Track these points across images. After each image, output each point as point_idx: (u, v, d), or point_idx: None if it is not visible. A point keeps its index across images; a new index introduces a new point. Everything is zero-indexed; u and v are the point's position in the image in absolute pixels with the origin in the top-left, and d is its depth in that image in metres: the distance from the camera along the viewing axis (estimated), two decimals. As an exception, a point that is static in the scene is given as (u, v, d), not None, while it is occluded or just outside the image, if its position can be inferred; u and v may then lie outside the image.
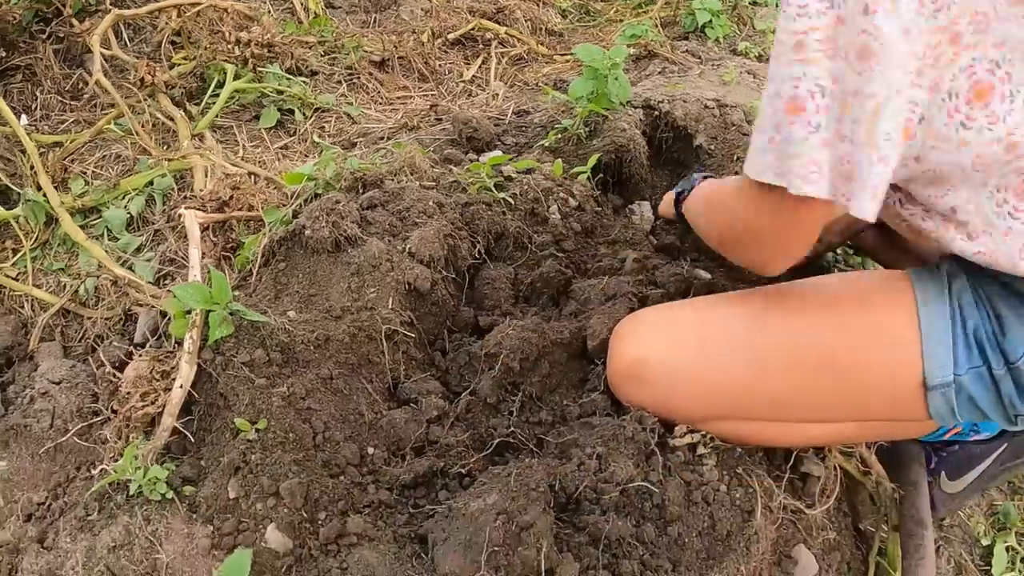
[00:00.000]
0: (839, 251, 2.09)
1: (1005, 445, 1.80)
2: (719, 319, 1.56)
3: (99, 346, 1.98)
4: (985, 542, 2.05)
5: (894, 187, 1.35)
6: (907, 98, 1.08)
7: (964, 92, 1.11)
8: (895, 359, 1.37)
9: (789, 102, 1.11)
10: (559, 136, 2.30)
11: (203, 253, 1.90)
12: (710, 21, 3.29)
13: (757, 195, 1.23)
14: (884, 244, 1.90)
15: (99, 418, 1.73)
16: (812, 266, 1.95)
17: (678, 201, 1.94)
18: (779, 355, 1.47)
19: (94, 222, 2.30)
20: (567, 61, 3.16)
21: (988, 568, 2.00)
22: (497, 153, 2.26)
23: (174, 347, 1.76)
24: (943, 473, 1.87)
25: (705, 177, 1.92)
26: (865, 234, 1.94)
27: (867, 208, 1.10)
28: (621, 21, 3.52)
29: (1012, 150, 1.14)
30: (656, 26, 3.33)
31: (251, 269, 1.82)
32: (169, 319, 1.72)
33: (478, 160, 2.28)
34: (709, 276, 1.82)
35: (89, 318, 2.05)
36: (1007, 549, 2.04)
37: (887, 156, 1.08)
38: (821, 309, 1.46)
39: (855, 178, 1.09)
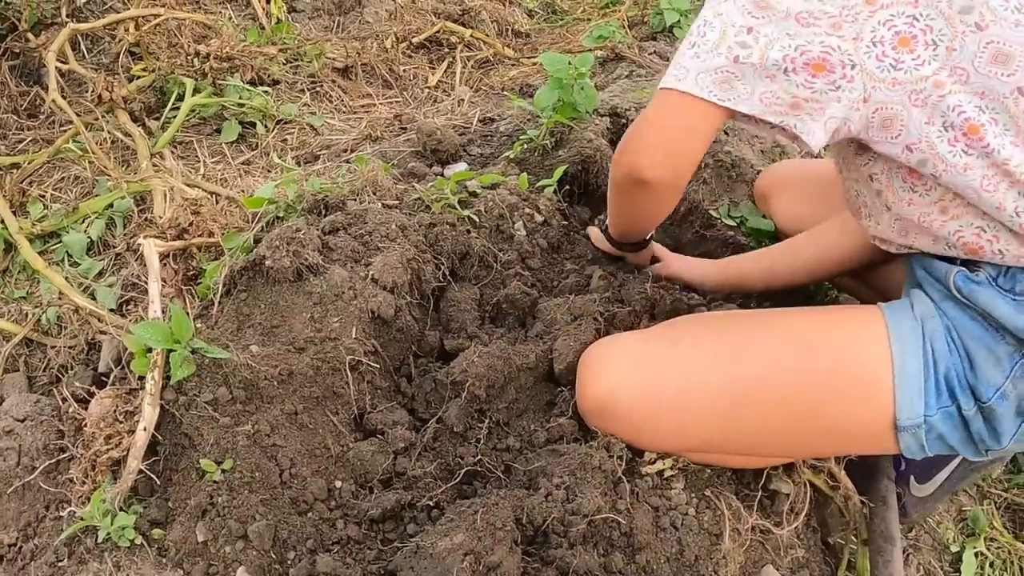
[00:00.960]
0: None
1: None
2: (694, 356, 1.53)
3: (64, 376, 1.97)
4: (955, 548, 2.05)
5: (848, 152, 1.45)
6: (804, 40, 1.22)
7: (888, 40, 1.22)
8: (868, 401, 1.40)
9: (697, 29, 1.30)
10: (525, 147, 2.27)
11: (164, 282, 1.87)
12: (679, 21, 3.25)
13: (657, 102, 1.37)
14: (860, 285, 1.92)
15: (66, 455, 1.71)
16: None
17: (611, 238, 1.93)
18: (756, 398, 1.47)
19: (54, 247, 2.27)
20: (534, 64, 3.13)
21: (958, 574, 2.01)
22: (462, 167, 2.24)
23: (139, 382, 1.74)
24: (912, 477, 1.88)
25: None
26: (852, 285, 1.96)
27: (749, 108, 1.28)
28: (588, 20, 3.49)
29: (939, 88, 1.24)
30: (623, 27, 3.30)
31: (212, 299, 1.79)
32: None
33: (443, 172, 2.26)
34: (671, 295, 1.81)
35: (53, 347, 2.03)
36: (976, 555, 2.05)
37: (773, 75, 1.25)
38: (799, 350, 1.47)
39: (735, 89, 1.26)
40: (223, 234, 1.92)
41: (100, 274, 2.20)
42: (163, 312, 1.72)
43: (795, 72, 1.24)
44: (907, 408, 1.37)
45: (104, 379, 1.87)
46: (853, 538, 1.78)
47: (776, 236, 2.13)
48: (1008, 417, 1.34)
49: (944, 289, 1.40)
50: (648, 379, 1.51)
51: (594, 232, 2.04)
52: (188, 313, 1.84)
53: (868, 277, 1.84)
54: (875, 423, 1.40)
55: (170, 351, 1.60)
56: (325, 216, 1.88)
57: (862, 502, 1.78)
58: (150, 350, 1.62)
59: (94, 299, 2.06)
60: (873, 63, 1.23)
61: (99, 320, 1.98)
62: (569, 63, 2.24)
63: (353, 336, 1.66)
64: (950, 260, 1.40)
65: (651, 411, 1.51)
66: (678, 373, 1.51)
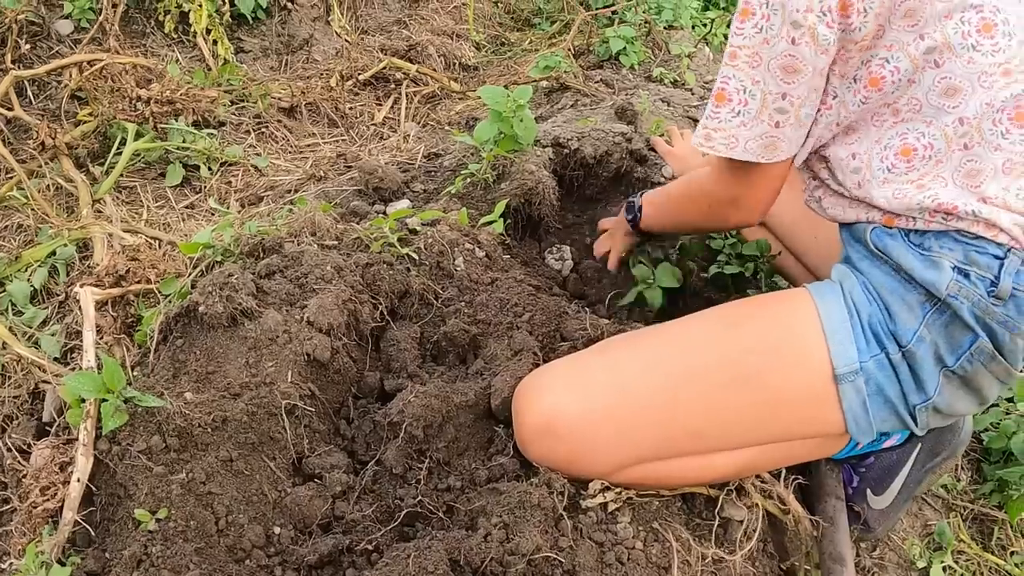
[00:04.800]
0: (761, 275, 2.11)
1: (920, 445, 1.82)
2: (626, 358, 1.60)
3: (8, 426, 1.94)
4: (921, 564, 2.03)
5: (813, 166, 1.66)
6: (819, 88, 1.47)
7: (864, 79, 1.46)
8: (804, 358, 1.51)
9: (718, 92, 1.49)
10: (467, 182, 2.28)
11: (102, 331, 1.86)
12: (624, 48, 3.28)
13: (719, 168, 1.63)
14: (803, 272, 2.03)
15: (8, 507, 1.70)
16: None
17: (636, 224, 2.07)
18: (691, 381, 1.54)
19: (-2, 295, 2.24)
20: (480, 97, 3.14)
21: (926, 591, 2.00)
22: (403, 204, 2.24)
23: (77, 432, 1.72)
24: (868, 490, 1.88)
25: (640, 194, 2.09)
26: (785, 260, 2.08)
27: (792, 151, 1.53)
28: (536, 51, 3.50)
29: (896, 115, 1.48)
30: (569, 56, 3.32)
31: (149, 347, 1.77)
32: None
33: (385, 210, 2.25)
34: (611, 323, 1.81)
35: (-3, 396, 2.01)
36: (944, 569, 2.04)
37: (806, 124, 1.50)
38: (725, 329, 1.58)
39: (778, 148, 1.49)
40: (160, 280, 1.91)
41: (44, 322, 2.17)
42: (98, 362, 1.71)
43: (815, 113, 1.51)
44: (841, 355, 1.48)
45: (48, 429, 1.85)
46: (807, 563, 1.78)
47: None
48: (928, 362, 1.46)
49: (862, 248, 1.54)
50: (583, 392, 1.56)
51: (613, 228, 2.23)
52: (125, 361, 1.83)
53: (808, 262, 2.01)
54: (815, 381, 1.50)
55: (103, 401, 1.58)
56: (262, 259, 1.87)
57: (812, 525, 1.78)
58: (84, 400, 1.61)
59: (38, 348, 2.04)
60: (850, 96, 1.49)
61: (41, 370, 1.96)
62: (508, 96, 2.26)
63: (289, 380, 1.65)
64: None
65: (590, 423, 1.53)
66: (611, 380, 1.56)
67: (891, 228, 1.50)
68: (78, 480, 1.56)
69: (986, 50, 1.40)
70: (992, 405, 2.20)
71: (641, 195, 2.08)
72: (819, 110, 1.51)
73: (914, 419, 1.52)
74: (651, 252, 2.22)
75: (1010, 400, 2.20)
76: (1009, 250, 1.42)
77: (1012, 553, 2.11)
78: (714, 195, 1.68)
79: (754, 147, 1.49)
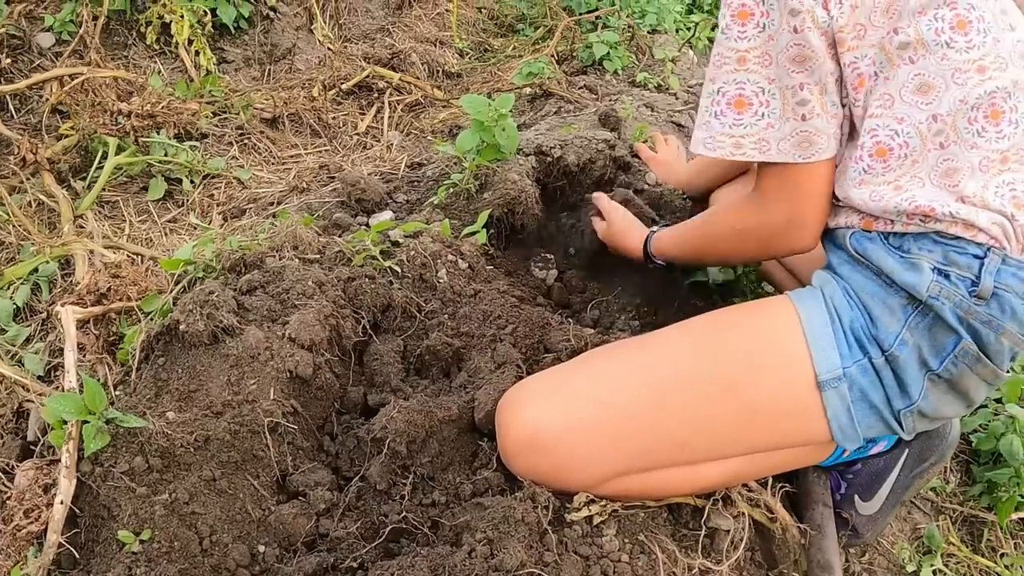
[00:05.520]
0: (748, 281, 2.12)
1: (907, 451, 1.82)
2: (608, 370, 1.59)
3: (-8, 446, 1.93)
4: (911, 568, 2.03)
5: None
6: (834, 72, 1.46)
7: (851, 80, 1.46)
8: (785, 361, 1.50)
9: (736, 99, 1.49)
10: (449, 192, 2.27)
11: (84, 349, 1.85)
12: (608, 53, 3.28)
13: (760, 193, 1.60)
14: (789, 278, 2.03)
15: (-8, 529, 1.68)
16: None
17: (652, 258, 1.99)
18: (675, 391, 1.53)
19: (-20, 314, 2.23)
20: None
21: (916, 595, 2.00)
22: (386, 216, 2.23)
23: (60, 453, 1.71)
24: (856, 496, 1.88)
25: (663, 225, 2.07)
26: (771, 266, 2.09)
27: (832, 149, 1.50)
28: (520, 57, 3.50)
29: (865, 110, 1.47)
30: (553, 62, 3.32)
31: (131, 365, 1.77)
32: (59, 419, 1.68)
33: (368, 222, 2.25)
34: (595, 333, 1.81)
35: (-20, 417, 1.99)
36: (934, 573, 2.03)
37: (835, 114, 1.48)
38: (708, 338, 1.58)
39: (815, 142, 1.47)
40: (142, 298, 1.90)
41: (27, 340, 2.16)
42: (79, 382, 1.70)
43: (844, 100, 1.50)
44: (824, 361, 1.47)
45: (32, 448, 1.84)
46: (795, 570, 1.78)
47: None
48: (912, 366, 1.45)
49: (843, 253, 1.55)
50: (565, 404, 1.55)
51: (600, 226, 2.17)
52: (108, 381, 1.82)
53: (794, 268, 2.00)
54: (799, 389, 1.50)
55: (84, 422, 1.58)
56: (244, 275, 1.87)
57: (800, 533, 1.77)
58: (66, 421, 1.60)
59: (22, 366, 2.03)
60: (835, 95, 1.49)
61: (25, 389, 1.95)
62: (489, 105, 2.25)
63: (271, 397, 1.64)
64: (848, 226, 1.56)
65: (573, 435, 1.53)
66: (593, 391, 1.55)
67: (870, 232, 1.50)
68: (61, 502, 1.55)
69: (960, 47, 1.40)
70: (981, 406, 2.21)
71: (651, 238, 1.99)
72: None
73: (900, 424, 1.52)
74: None
75: (998, 401, 2.20)
76: (989, 249, 1.42)
77: (1002, 555, 2.11)
78: (763, 225, 1.61)
79: (787, 147, 1.48)
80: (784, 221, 1.56)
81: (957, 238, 1.43)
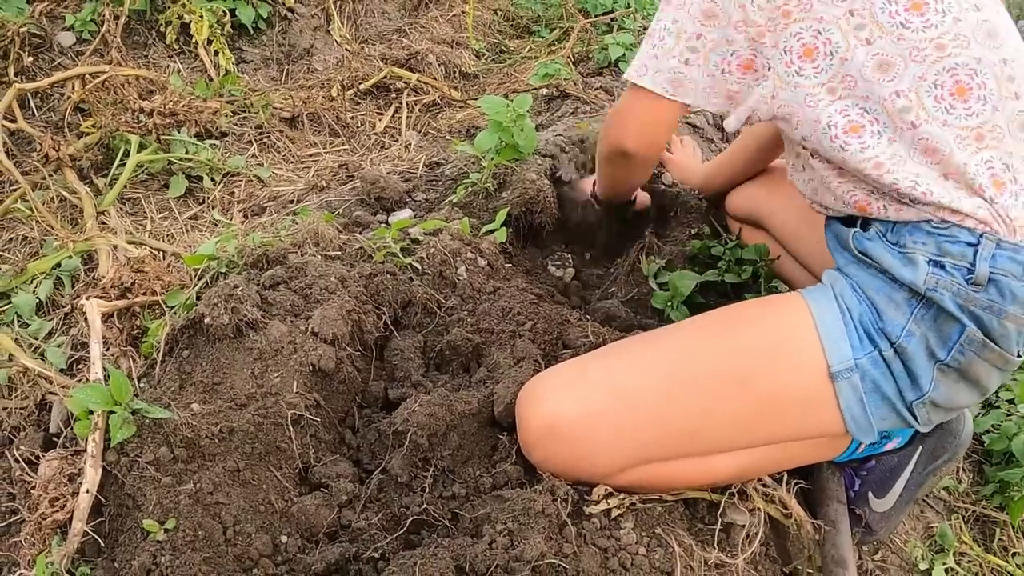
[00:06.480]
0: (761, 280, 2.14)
1: (920, 448, 1.83)
2: (624, 361, 1.62)
3: (16, 437, 1.95)
4: (923, 566, 2.04)
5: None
6: (740, 46, 1.52)
7: (796, 50, 1.48)
8: (798, 353, 1.52)
9: (648, 31, 1.61)
10: (468, 191, 2.29)
11: (108, 342, 1.88)
12: (623, 55, 3.30)
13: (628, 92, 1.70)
14: (804, 277, 2.04)
15: (17, 517, 1.71)
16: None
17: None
18: (689, 382, 1.55)
19: (3, 308, 2.26)
20: (480, 106, 3.16)
21: (928, 593, 2.01)
22: (407, 214, 2.25)
23: (84, 444, 1.74)
24: (870, 493, 1.89)
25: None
26: (785, 265, 2.12)
27: (693, 100, 1.61)
28: (536, 59, 3.52)
29: (832, 93, 1.49)
30: (569, 63, 3.34)
31: (156, 358, 1.79)
32: (81, 411, 1.70)
33: (388, 220, 2.27)
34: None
35: (4, 408, 2.02)
36: (946, 571, 2.04)
37: (715, 77, 1.57)
38: (721, 331, 1.60)
39: (682, 87, 1.59)
40: (165, 292, 1.92)
41: (50, 334, 2.19)
42: (105, 374, 1.72)
43: (730, 72, 1.55)
44: (836, 352, 1.49)
45: (55, 440, 1.87)
46: (809, 566, 1.79)
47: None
48: (920, 357, 1.47)
49: (848, 254, 1.58)
50: (582, 394, 1.57)
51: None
52: (132, 373, 1.84)
53: (810, 266, 2.02)
54: (811, 380, 1.51)
55: (111, 413, 1.60)
56: (266, 270, 1.89)
57: (814, 528, 1.79)
58: (92, 412, 1.63)
59: (44, 359, 2.06)
60: (782, 68, 1.51)
61: (48, 381, 1.97)
62: (508, 105, 2.27)
63: (294, 390, 1.67)
64: (851, 223, 1.60)
65: (589, 424, 1.55)
66: (609, 382, 1.58)
67: (868, 232, 1.54)
68: (87, 491, 1.57)
69: (916, 27, 1.43)
70: (993, 407, 2.22)
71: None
72: (751, 76, 1.55)
73: (914, 415, 1.53)
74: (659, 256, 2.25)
75: (1011, 402, 2.21)
76: (981, 235, 1.43)
77: (1014, 554, 2.12)
78: (606, 120, 1.81)
79: (660, 80, 1.60)
80: (613, 112, 1.76)
81: (948, 224, 1.45)
